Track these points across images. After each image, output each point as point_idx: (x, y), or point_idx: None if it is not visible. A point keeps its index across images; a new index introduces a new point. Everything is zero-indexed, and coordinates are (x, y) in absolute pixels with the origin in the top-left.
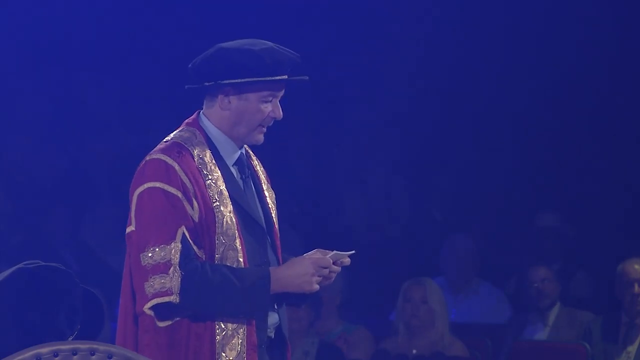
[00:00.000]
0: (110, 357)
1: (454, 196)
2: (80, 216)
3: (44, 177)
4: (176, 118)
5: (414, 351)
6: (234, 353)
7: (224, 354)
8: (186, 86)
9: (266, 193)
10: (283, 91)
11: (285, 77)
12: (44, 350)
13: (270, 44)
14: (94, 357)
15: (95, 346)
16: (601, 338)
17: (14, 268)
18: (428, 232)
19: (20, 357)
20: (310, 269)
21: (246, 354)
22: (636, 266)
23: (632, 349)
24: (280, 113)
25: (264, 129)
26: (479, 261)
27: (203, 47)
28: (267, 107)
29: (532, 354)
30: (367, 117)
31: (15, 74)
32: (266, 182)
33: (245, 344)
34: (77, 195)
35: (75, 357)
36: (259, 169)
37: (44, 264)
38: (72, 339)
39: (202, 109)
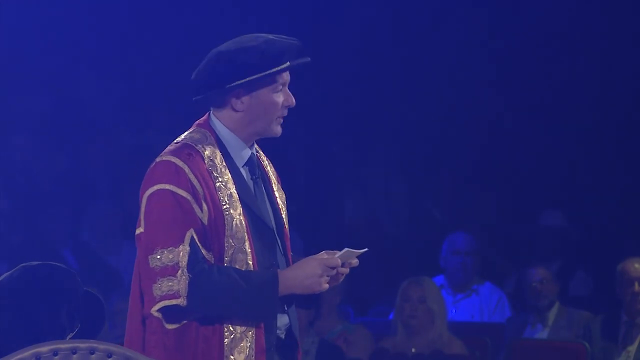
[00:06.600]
0: (110, 356)
1: (454, 195)
2: (80, 216)
3: (44, 177)
4: (176, 118)
5: (413, 350)
6: (243, 356)
7: (232, 357)
8: (193, 99)
9: (276, 194)
10: (289, 77)
11: (289, 64)
12: (44, 349)
13: (265, 35)
14: (93, 356)
15: (94, 345)
16: (601, 337)
17: (17, 267)
18: (428, 232)
19: (19, 356)
20: (318, 269)
21: (255, 357)
22: (636, 265)
23: (632, 348)
24: (292, 100)
25: (281, 120)
26: (479, 261)
27: (204, 47)
28: (280, 97)
29: (531, 353)
30: (367, 116)
31: (16, 73)
32: (276, 183)
33: (254, 347)
34: (77, 195)
35: (74, 356)
36: (269, 169)
37: (46, 263)
38: (72, 337)
39: (210, 110)
